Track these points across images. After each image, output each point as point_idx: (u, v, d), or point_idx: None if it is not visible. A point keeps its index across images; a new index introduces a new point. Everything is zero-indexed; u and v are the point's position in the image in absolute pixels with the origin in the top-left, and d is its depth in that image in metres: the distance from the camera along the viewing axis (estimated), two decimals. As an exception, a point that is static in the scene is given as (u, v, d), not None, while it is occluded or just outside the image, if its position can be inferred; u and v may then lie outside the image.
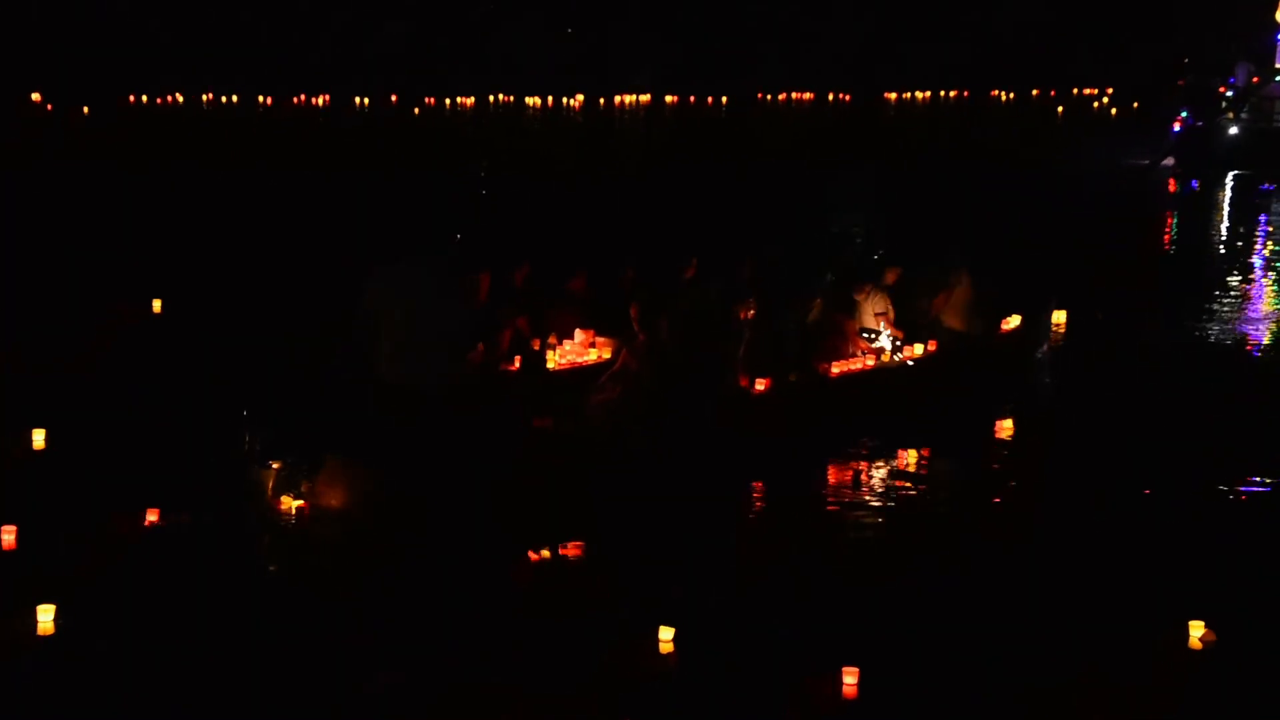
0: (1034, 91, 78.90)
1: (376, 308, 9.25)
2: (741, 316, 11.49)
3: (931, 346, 12.33)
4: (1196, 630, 7.40)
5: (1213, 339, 15.82)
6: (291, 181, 30.31)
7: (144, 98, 61.71)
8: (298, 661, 6.83)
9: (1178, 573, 8.36)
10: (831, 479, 10.22)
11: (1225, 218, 30.35)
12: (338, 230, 22.92)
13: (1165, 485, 10.03)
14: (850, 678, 6.72)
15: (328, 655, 6.88)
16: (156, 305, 15.71)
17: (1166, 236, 26.65)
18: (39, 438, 10.22)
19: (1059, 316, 15.47)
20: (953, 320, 12.66)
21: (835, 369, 11.67)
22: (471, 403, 9.25)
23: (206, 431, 9.98)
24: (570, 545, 8.28)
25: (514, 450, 9.17)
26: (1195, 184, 35.53)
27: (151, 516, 8.65)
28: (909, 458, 10.66)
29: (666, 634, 7.12)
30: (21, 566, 7.94)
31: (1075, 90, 79.59)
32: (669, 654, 7.04)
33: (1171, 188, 35.27)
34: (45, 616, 7.17)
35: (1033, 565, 8.43)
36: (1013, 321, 13.27)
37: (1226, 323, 16.71)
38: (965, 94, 77.42)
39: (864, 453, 10.75)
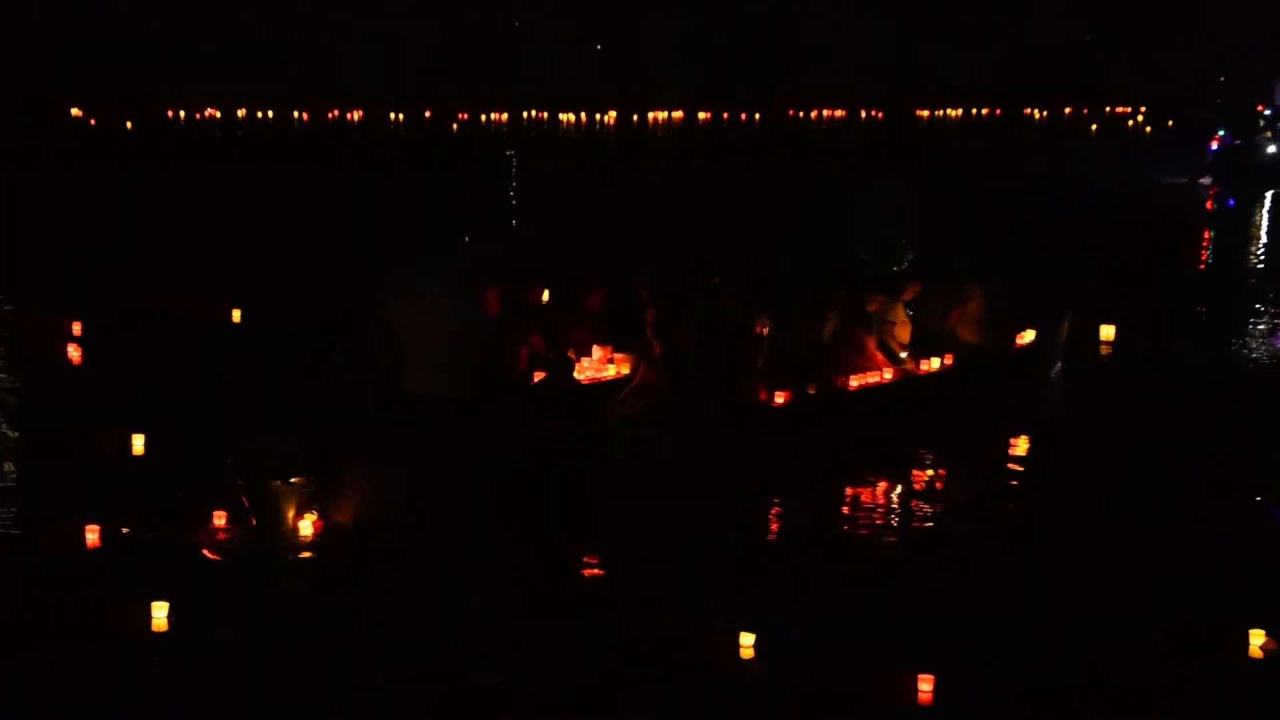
0: (1067, 109, 78.52)
1: (392, 317, 9.27)
2: (758, 330, 11.49)
3: (948, 360, 12.31)
4: (1257, 639, 7.35)
5: (1246, 355, 15.68)
6: (309, 185, 30.35)
7: (181, 113, 62.40)
8: (298, 661, 6.83)
9: (1178, 574, 8.33)
10: (833, 480, 10.20)
11: (1263, 236, 30.12)
12: (348, 233, 22.94)
13: (1169, 489, 9.99)
14: (926, 684, 6.72)
15: (328, 655, 6.88)
16: (236, 315, 15.67)
17: (1203, 253, 26.44)
18: (139, 443, 10.34)
19: (1108, 332, 15.41)
20: (968, 334, 12.66)
21: (854, 382, 11.64)
22: (473, 403, 9.28)
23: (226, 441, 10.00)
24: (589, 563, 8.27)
25: (514, 450, 9.17)
26: (1232, 202, 35.28)
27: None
28: (913, 460, 10.65)
29: (747, 639, 7.11)
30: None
31: (1108, 108, 79.15)
32: (750, 659, 7.04)
33: (1209, 206, 35.05)
34: (160, 613, 7.29)
35: (1033, 565, 8.40)
36: (1028, 335, 13.26)
37: (1260, 339, 16.57)
38: (998, 111, 77.12)
39: (867, 454, 10.72)
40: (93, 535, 8.48)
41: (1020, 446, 11.48)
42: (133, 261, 19.43)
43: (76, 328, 14.45)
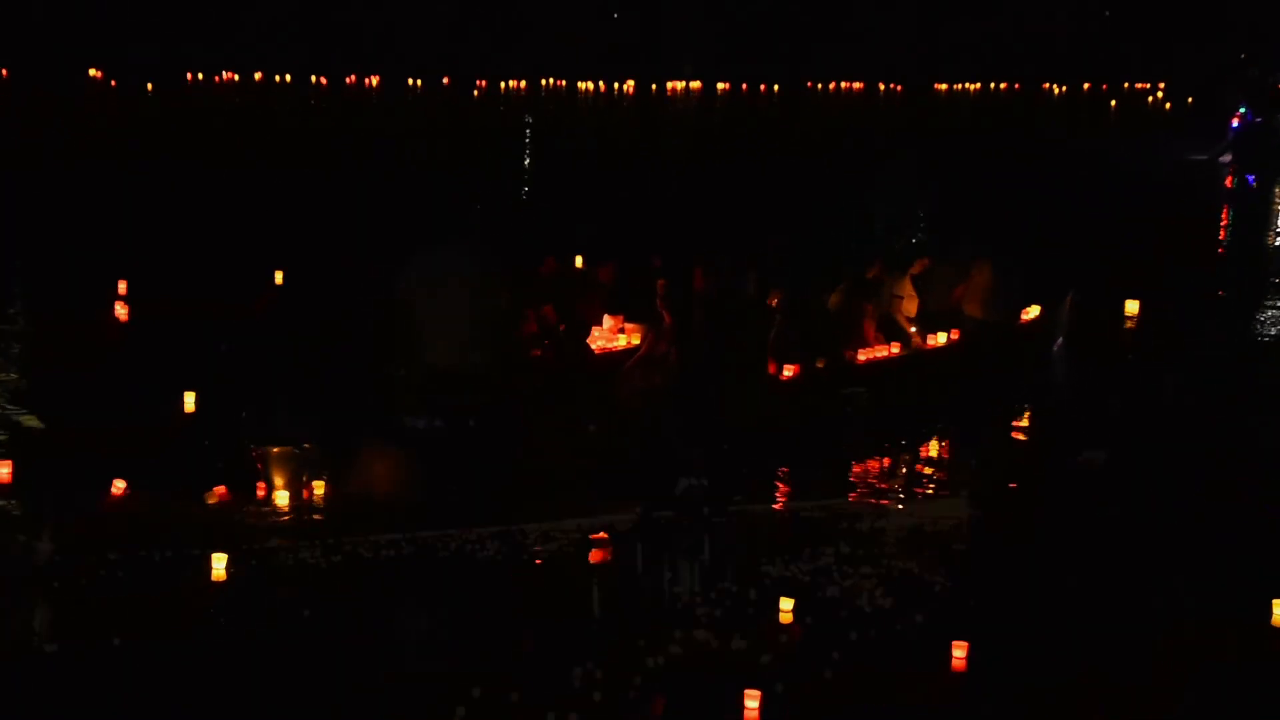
0: (1085, 85, 77.95)
1: (411, 296, 9.41)
2: (771, 304, 11.57)
3: (954, 335, 12.38)
4: None
5: (1265, 336, 15.64)
6: (311, 180, 29.96)
7: (200, 75, 62.37)
8: (298, 661, 6.84)
9: (1178, 573, 8.31)
10: (833, 475, 10.19)
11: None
12: (348, 232, 22.73)
13: (1169, 486, 9.95)
14: (959, 651, 6.79)
15: (328, 655, 6.88)
16: (279, 276, 15.56)
17: (1221, 233, 26.27)
18: (189, 400, 10.48)
19: (1131, 307, 15.40)
20: (974, 309, 12.70)
21: (862, 356, 11.73)
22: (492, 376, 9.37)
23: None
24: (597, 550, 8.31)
25: (515, 450, 9.25)
26: (1252, 180, 35.13)
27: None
28: (914, 454, 10.67)
29: (787, 604, 7.22)
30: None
31: (1127, 84, 78.55)
32: (789, 623, 7.11)
33: (1229, 183, 34.89)
34: (219, 564, 7.50)
35: (1033, 565, 8.36)
36: (1033, 311, 13.31)
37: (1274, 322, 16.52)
38: (1016, 86, 76.60)
39: (867, 449, 10.72)
40: (119, 487, 8.68)
41: (1023, 423, 11.53)
42: (143, 257, 19.26)
43: (122, 286, 14.49)
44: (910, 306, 12.40)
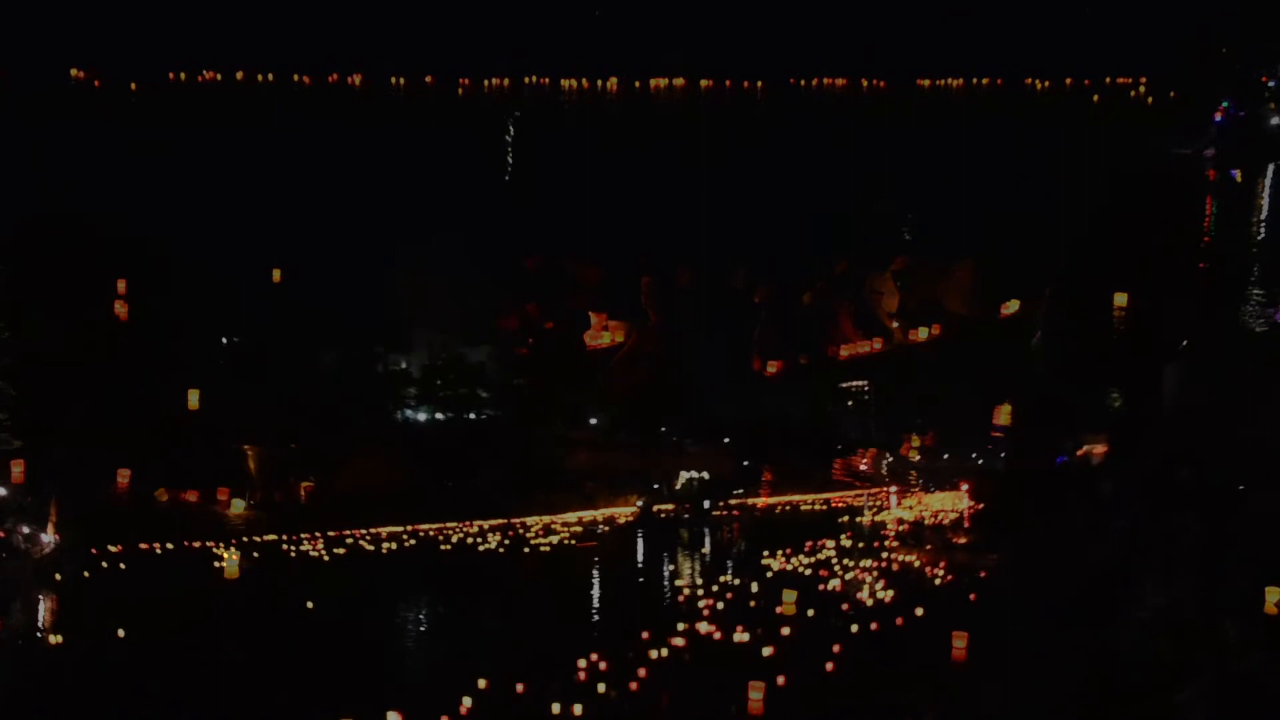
0: (1068, 79, 77.98)
1: (406, 289, 9.58)
2: (756, 300, 11.68)
3: (936, 330, 12.48)
4: (1274, 595, 7.55)
5: (1250, 327, 15.76)
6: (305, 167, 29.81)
7: (182, 75, 62.06)
8: (300, 662, 6.89)
9: (1175, 573, 8.36)
10: (832, 469, 10.28)
11: (1265, 207, 30.14)
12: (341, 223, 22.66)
13: (1168, 484, 9.99)
14: (960, 641, 6.91)
15: (330, 655, 6.95)
16: (276, 275, 15.76)
17: (1205, 224, 26.46)
18: (193, 398, 10.65)
19: (1120, 299, 15.59)
20: (955, 304, 12.81)
21: (844, 351, 11.83)
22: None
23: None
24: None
25: (516, 443, 9.35)
26: (1235, 173, 35.31)
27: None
28: (910, 453, 10.79)
29: (789, 596, 7.34)
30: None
31: (1108, 79, 78.62)
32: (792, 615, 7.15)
33: (1211, 177, 35.07)
34: (231, 561, 7.64)
35: (1031, 566, 8.43)
36: (1012, 305, 13.43)
37: (1262, 310, 16.64)
38: (999, 81, 76.61)
39: (865, 448, 10.83)
40: (123, 480, 8.80)
41: (1003, 415, 11.65)
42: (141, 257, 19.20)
43: (121, 286, 14.65)
44: (891, 302, 12.51)
